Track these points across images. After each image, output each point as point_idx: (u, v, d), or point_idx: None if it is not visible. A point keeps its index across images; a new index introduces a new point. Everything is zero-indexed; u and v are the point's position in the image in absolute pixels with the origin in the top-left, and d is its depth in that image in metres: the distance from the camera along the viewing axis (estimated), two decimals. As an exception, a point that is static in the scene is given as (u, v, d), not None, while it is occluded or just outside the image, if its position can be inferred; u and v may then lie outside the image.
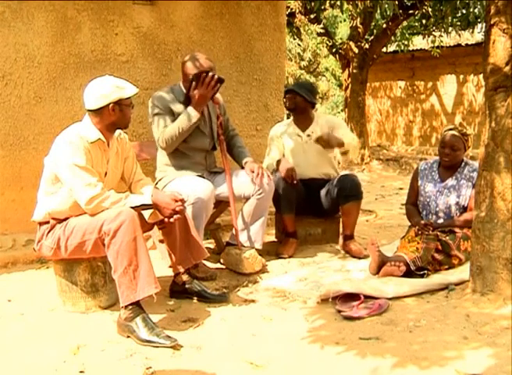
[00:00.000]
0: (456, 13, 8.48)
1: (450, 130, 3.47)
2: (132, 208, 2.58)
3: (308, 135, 3.88)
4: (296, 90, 3.83)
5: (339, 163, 4.19)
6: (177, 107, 3.31)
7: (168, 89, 3.39)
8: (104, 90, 2.58)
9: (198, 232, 3.02)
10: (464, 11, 8.26)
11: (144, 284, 2.46)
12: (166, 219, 2.70)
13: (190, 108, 3.22)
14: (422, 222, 3.35)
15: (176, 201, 2.68)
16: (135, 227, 2.49)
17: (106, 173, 2.73)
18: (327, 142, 3.60)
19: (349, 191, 3.62)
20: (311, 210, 3.92)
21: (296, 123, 3.95)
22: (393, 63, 11.96)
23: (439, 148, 3.51)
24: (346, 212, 3.74)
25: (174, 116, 3.28)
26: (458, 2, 7.87)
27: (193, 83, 3.20)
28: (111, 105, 2.59)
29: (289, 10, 8.05)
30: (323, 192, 3.83)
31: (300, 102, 3.85)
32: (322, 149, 3.83)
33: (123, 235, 2.46)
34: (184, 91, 3.37)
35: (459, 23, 8.80)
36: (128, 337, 2.44)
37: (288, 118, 4.57)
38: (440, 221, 3.45)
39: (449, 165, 3.49)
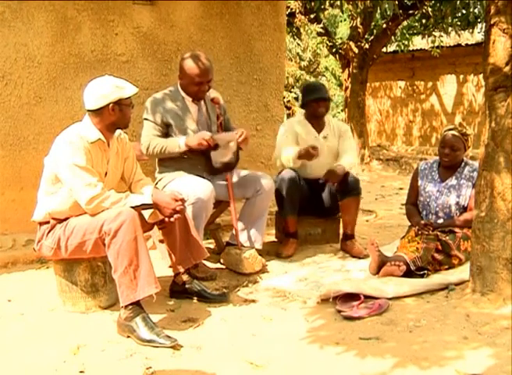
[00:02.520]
0: (456, 13, 8.47)
1: (450, 130, 3.47)
2: (132, 207, 2.58)
3: (324, 137, 3.87)
4: (326, 97, 3.85)
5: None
6: (172, 111, 3.31)
7: (165, 93, 3.39)
8: (104, 90, 2.58)
9: (198, 232, 3.02)
10: (464, 11, 8.25)
11: (144, 284, 2.46)
12: (166, 219, 2.70)
13: (183, 141, 3.21)
14: (422, 222, 3.36)
15: (176, 200, 2.68)
16: (135, 227, 2.49)
17: (106, 173, 2.73)
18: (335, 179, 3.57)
19: (347, 186, 3.61)
20: (313, 210, 3.92)
21: (311, 124, 3.91)
22: (393, 63, 11.96)
23: (439, 148, 3.51)
24: (346, 209, 3.74)
25: (164, 124, 3.30)
26: (458, 2, 7.86)
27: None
28: (111, 105, 2.59)
29: (289, 10, 8.04)
30: (325, 190, 3.84)
31: (329, 107, 3.91)
32: (334, 154, 3.87)
33: (124, 235, 2.46)
34: (182, 92, 3.37)
35: (459, 23, 8.80)
36: (128, 337, 2.44)
37: (288, 118, 4.55)
38: (440, 221, 3.45)
39: (449, 165, 3.49)
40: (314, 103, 3.83)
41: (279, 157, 3.79)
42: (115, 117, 2.62)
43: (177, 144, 3.23)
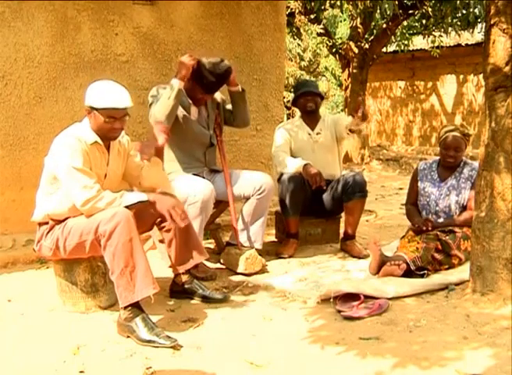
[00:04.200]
0: (456, 13, 8.48)
1: (451, 131, 3.45)
2: (129, 205, 2.57)
3: (318, 133, 3.88)
4: (315, 90, 3.85)
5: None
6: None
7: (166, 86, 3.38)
8: (88, 91, 2.61)
9: (198, 232, 3.02)
10: (464, 11, 8.26)
11: (141, 286, 2.44)
12: (168, 220, 2.68)
13: (173, 79, 3.14)
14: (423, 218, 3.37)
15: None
16: (130, 228, 2.47)
17: (106, 175, 2.72)
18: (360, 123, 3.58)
19: (354, 187, 3.60)
20: (315, 211, 3.91)
21: (305, 122, 3.92)
22: (393, 63, 11.96)
23: (441, 149, 3.48)
24: (350, 210, 3.72)
25: None
26: (458, 2, 7.87)
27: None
28: (86, 108, 2.60)
29: (289, 10, 8.05)
30: (327, 192, 3.80)
31: (319, 102, 3.90)
32: (331, 150, 3.89)
33: (119, 236, 2.44)
34: (183, 92, 3.37)
35: (459, 23, 8.80)
36: (128, 337, 2.44)
37: (288, 118, 4.55)
38: (440, 221, 3.45)
39: (452, 166, 3.48)
40: (303, 98, 3.86)
41: (277, 160, 3.78)
42: (94, 123, 2.61)
43: (169, 86, 3.13)
